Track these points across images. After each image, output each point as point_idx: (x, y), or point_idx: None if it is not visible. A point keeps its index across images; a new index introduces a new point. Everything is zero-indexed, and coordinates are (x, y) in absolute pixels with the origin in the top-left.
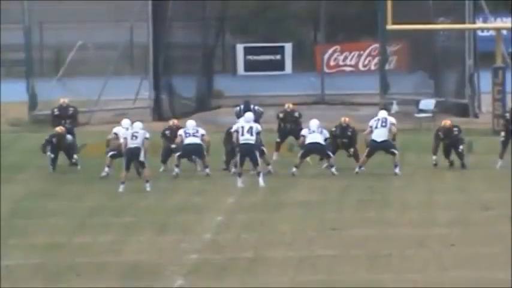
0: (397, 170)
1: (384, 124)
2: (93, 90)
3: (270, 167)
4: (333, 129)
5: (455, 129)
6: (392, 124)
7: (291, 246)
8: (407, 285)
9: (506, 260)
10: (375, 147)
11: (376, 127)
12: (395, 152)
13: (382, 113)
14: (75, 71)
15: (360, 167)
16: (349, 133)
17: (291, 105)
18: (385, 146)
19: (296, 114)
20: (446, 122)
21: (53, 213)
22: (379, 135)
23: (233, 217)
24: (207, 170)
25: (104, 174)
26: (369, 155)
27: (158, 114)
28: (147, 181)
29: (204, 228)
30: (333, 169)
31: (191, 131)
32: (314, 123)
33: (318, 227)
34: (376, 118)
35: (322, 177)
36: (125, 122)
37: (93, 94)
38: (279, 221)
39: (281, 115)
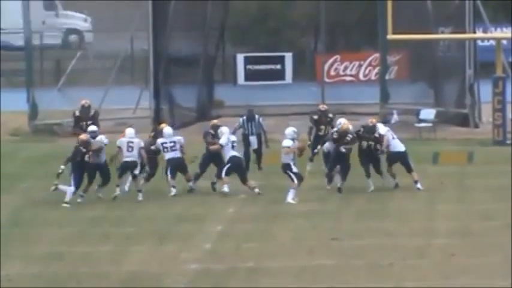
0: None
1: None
2: (93, 100)
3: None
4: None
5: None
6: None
7: (291, 256)
8: None
9: (506, 269)
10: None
11: (394, 138)
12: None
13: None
14: (76, 81)
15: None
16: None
17: (324, 106)
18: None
19: (330, 115)
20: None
21: (53, 223)
22: (399, 145)
23: (233, 227)
24: (191, 184)
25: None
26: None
27: (158, 124)
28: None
29: (204, 238)
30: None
31: (169, 144)
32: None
33: (318, 236)
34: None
35: (321, 188)
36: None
37: (93, 104)
38: (279, 230)
39: (315, 117)
